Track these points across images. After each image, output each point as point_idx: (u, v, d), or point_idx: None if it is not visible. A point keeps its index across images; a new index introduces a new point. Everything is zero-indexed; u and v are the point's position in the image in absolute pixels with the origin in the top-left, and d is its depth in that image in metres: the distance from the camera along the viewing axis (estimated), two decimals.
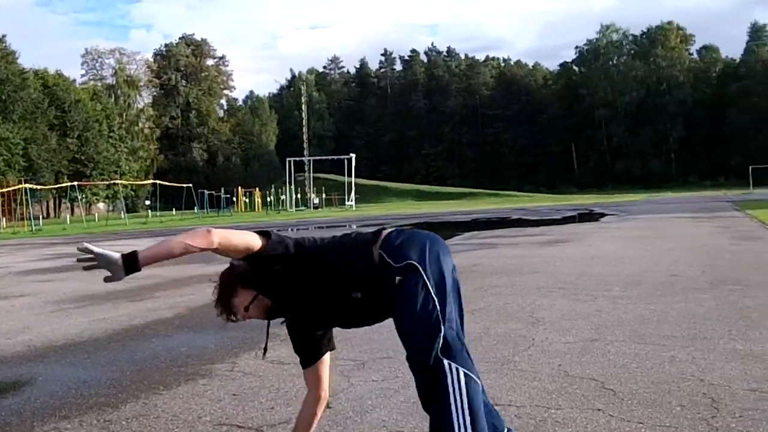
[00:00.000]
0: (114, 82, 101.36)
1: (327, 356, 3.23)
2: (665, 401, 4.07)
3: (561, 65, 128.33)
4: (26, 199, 48.04)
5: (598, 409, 3.98)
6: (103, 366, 5.84)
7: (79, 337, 7.18)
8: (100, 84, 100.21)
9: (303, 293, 2.95)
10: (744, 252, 12.31)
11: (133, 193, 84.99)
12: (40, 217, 56.70)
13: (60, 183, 67.84)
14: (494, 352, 5.47)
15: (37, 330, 7.68)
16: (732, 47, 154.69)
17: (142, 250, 2.82)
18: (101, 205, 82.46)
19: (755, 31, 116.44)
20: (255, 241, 2.89)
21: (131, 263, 2.77)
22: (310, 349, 3.20)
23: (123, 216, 57.34)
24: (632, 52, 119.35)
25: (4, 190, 51.43)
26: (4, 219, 49.59)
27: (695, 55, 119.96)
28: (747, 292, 7.80)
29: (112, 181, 71.77)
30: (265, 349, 3.24)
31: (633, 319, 6.56)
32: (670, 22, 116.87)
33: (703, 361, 4.93)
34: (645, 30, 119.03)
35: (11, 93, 73.62)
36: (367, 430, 3.88)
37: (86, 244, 2.82)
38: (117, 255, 2.79)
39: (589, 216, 31.24)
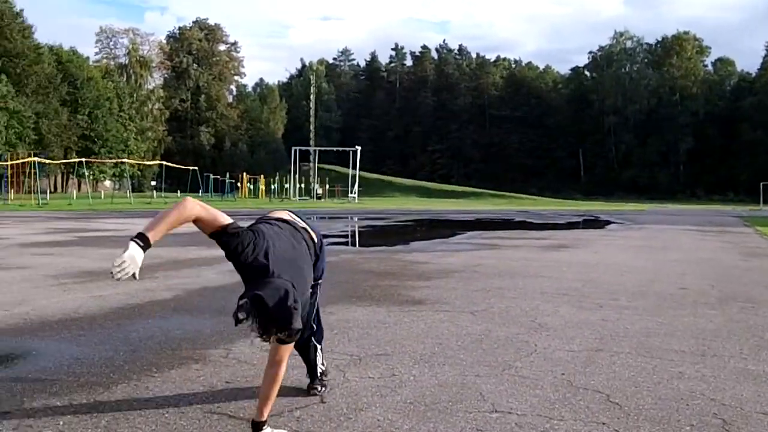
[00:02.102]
0: (126, 61, 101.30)
1: None
2: (673, 419, 3.93)
3: (572, 69, 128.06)
4: (35, 173, 48.19)
5: (603, 423, 3.85)
6: (97, 344, 5.74)
7: (76, 312, 7.10)
8: (112, 63, 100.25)
9: None
10: (754, 269, 12.11)
11: (139, 172, 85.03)
12: (48, 191, 56.83)
13: (68, 158, 68.06)
14: (495, 356, 5.35)
15: (35, 303, 7.62)
16: (748, 61, 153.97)
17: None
18: (108, 182, 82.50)
19: None
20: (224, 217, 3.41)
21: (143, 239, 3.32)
22: None
23: (128, 195, 57.40)
24: (645, 60, 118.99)
25: (14, 162, 51.54)
26: (12, 191, 49.68)
27: (710, 67, 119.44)
28: (758, 311, 7.62)
29: (119, 160, 71.79)
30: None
31: (639, 331, 6.41)
32: (686, 32, 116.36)
33: (714, 380, 4.78)
34: (660, 39, 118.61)
35: (26, 67, 73.70)
36: (362, 428, 3.76)
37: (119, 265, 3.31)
38: (130, 247, 3.32)
39: (594, 223, 31.10)
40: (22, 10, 78.38)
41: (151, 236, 3.36)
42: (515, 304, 7.77)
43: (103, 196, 57.70)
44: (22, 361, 5.22)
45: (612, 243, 18.23)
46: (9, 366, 5.08)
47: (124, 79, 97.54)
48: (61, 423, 3.81)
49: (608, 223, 30.54)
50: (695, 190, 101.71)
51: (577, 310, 7.49)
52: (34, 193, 47.45)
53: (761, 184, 73.62)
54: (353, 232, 23.60)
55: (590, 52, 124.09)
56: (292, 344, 3.63)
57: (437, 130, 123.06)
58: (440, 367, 5.02)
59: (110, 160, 75.56)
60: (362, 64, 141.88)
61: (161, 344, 5.74)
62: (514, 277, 10.20)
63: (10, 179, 50.84)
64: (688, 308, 7.67)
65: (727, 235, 22.43)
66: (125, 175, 70.30)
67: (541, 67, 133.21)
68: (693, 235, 21.90)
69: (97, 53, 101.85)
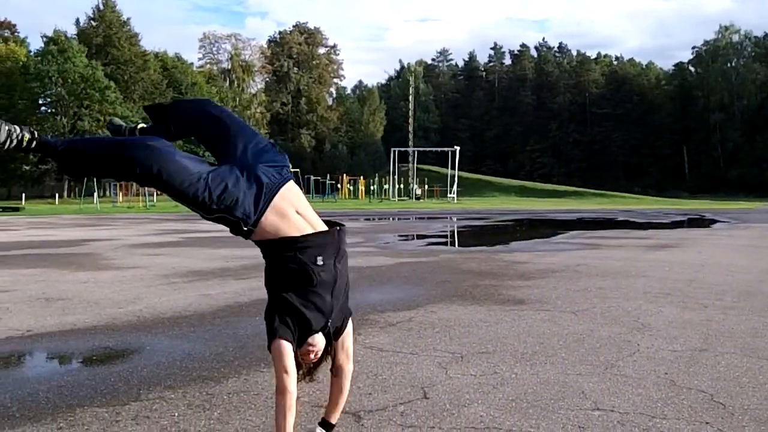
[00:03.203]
0: (229, 66, 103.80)
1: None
2: None
3: (676, 66, 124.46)
4: None
5: (707, 423, 3.82)
6: (207, 340, 5.99)
7: (186, 310, 7.40)
8: (215, 68, 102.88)
9: None
10: None
11: None
12: (155, 193, 58.66)
13: None
14: (597, 355, 5.34)
15: (147, 301, 7.97)
16: None
17: None
18: None
19: None
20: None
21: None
22: None
23: None
24: (753, 54, 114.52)
25: None
26: (120, 194, 51.66)
27: None
28: None
29: None
30: None
31: (745, 332, 6.27)
32: None
33: None
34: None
35: (133, 74, 76.61)
36: (465, 424, 3.83)
37: None
38: None
39: (699, 222, 30.22)
40: (129, 19, 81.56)
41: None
42: (617, 305, 7.69)
43: None
44: (137, 355, 5.51)
45: (718, 242, 17.71)
46: (125, 360, 5.37)
47: (227, 83, 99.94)
48: (176, 414, 4.02)
49: (714, 222, 29.62)
50: None
51: (681, 310, 7.35)
52: (141, 195, 49.23)
53: None
54: (453, 232, 23.62)
55: (694, 48, 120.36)
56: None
57: (537, 129, 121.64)
58: (542, 366, 5.04)
59: None
60: (460, 64, 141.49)
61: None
62: (616, 277, 10.06)
63: (118, 183, 52.93)
64: None
65: None
66: None
67: (644, 63, 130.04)
68: None
69: (200, 59, 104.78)
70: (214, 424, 3.88)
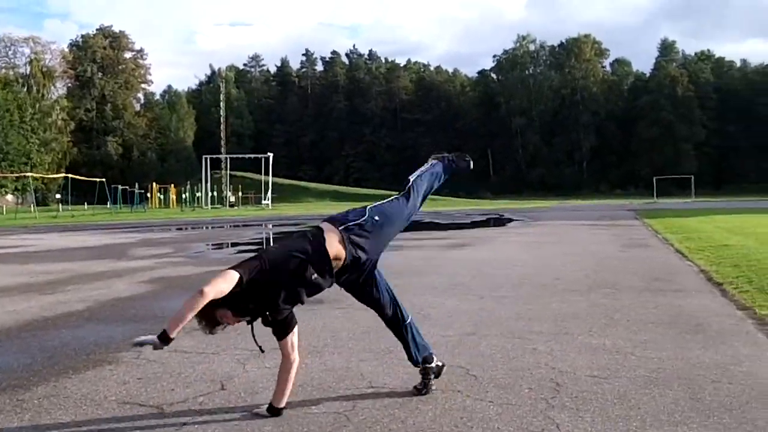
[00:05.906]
0: (28, 71, 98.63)
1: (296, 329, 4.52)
2: (516, 384, 4.72)
3: (479, 73, 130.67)
4: None
5: (458, 391, 4.60)
6: (15, 353, 6.18)
7: None
8: (12, 73, 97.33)
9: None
10: (629, 259, 13.23)
11: (44, 186, 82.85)
12: None
13: None
14: (379, 344, 6.04)
15: None
16: (643, 61, 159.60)
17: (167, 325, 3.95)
18: (9, 197, 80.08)
19: (665, 47, 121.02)
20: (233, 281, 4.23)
21: (165, 338, 3.90)
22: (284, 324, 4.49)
23: (33, 209, 56.11)
24: (548, 62, 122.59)
25: None
26: None
27: (608, 68, 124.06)
28: (617, 295, 8.58)
29: (21, 174, 69.95)
30: (260, 348, 4.57)
31: (510, 317, 7.23)
32: (586, 35, 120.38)
33: (559, 353, 5.62)
34: (562, 42, 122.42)
35: None
36: (254, 407, 4.39)
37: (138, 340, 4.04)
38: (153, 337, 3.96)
39: (497, 221, 32.29)
40: None
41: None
42: (406, 299, 8.30)
43: (5, 212, 56.21)
44: None
45: (509, 240, 19.26)
46: None
47: (25, 89, 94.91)
48: None
49: (510, 220, 31.81)
50: (599, 186, 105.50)
51: (461, 301, 8.27)
52: None
53: (654, 178, 77.40)
54: (266, 238, 24.04)
55: (495, 56, 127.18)
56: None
57: (351, 134, 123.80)
58: (330, 356, 5.70)
59: (12, 174, 73.50)
60: (273, 70, 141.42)
61: (76, 350, 6.21)
62: (411, 276, 10.90)
63: None
64: (558, 296, 8.56)
65: (617, 228, 23.85)
66: (28, 188, 68.58)
67: (450, 70, 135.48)
68: (585, 230, 23.17)
69: None
70: (26, 424, 4.20)
